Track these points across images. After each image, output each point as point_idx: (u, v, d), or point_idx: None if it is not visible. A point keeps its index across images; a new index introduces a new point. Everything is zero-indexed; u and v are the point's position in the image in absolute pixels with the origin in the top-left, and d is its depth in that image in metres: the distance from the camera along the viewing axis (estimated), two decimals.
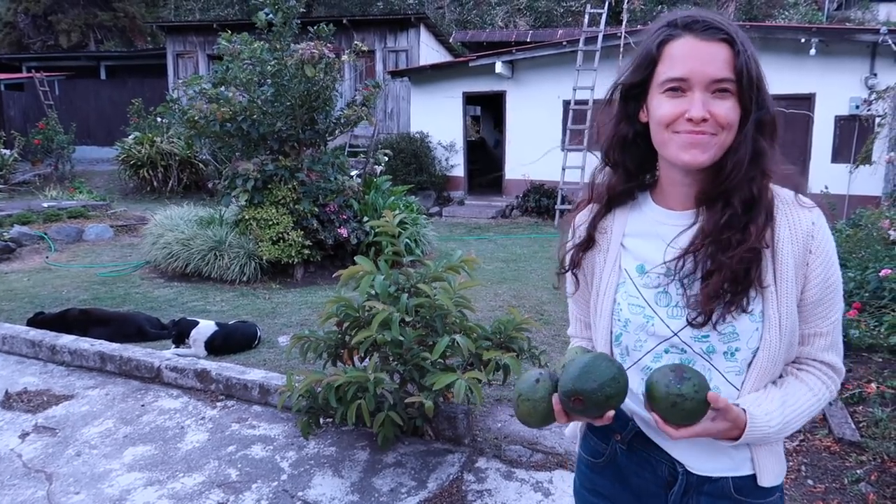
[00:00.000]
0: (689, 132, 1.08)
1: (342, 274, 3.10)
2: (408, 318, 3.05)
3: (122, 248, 9.24)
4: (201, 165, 13.82)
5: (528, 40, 17.33)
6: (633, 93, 1.18)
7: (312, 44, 6.87)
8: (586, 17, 12.78)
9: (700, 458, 1.21)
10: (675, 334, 1.17)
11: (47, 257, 8.54)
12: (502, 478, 3.07)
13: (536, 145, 13.36)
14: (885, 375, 3.71)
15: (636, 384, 1.23)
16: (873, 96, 10.14)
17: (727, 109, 1.06)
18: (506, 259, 8.61)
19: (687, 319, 1.14)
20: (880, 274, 4.59)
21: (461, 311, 3.24)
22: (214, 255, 7.12)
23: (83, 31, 26.67)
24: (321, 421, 3.25)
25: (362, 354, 3.11)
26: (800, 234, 1.13)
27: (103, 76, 21.05)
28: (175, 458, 3.29)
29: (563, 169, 12.05)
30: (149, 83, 18.61)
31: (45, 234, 9.30)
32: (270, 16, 7.02)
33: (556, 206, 11.99)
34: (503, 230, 11.59)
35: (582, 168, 11.82)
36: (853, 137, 10.99)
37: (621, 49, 11.80)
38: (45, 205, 10.46)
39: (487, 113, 19.75)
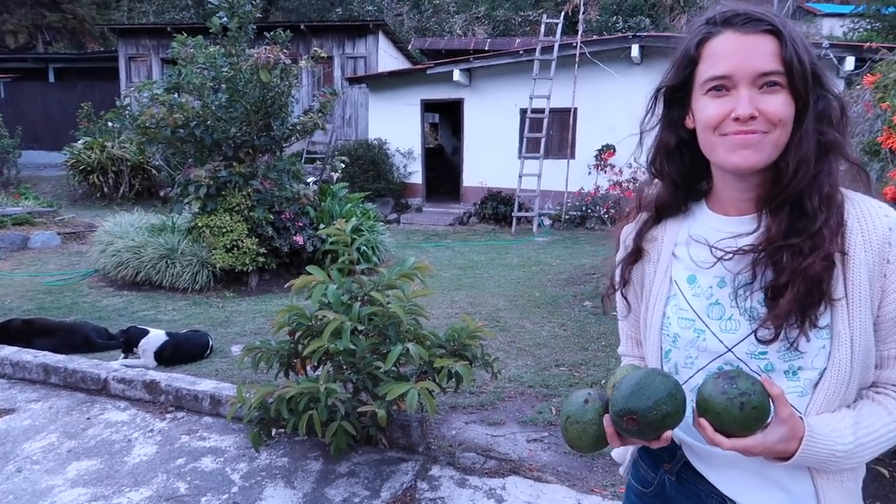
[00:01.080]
0: (738, 132, 0.99)
1: (294, 284, 3.08)
2: (360, 327, 3.04)
3: (70, 255, 8.98)
4: (154, 171, 13.55)
5: (486, 49, 17.51)
6: (677, 96, 1.10)
7: (267, 48, 6.81)
8: (543, 26, 12.96)
9: (751, 493, 1.09)
10: (730, 350, 1.07)
11: None
12: (456, 485, 3.08)
13: (494, 153, 13.47)
14: None
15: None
16: None
17: (778, 104, 0.97)
18: (463, 266, 8.64)
19: (755, 336, 1.03)
20: None
21: (415, 319, 3.25)
22: (166, 262, 6.98)
23: (31, 32, 25.90)
24: (273, 432, 3.21)
25: (315, 364, 3.08)
26: (875, 240, 1.00)
27: (52, 79, 20.48)
28: (121, 472, 3.21)
29: (520, 176, 12.17)
30: (99, 86, 18.18)
31: None
32: (225, 20, 6.94)
33: (513, 214, 12.09)
34: (461, 237, 11.63)
35: (538, 175, 11.96)
36: None
37: (577, 59, 12.00)
38: None
39: (445, 120, 19.83)
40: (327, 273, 3.11)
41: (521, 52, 13.02)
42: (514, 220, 12.04)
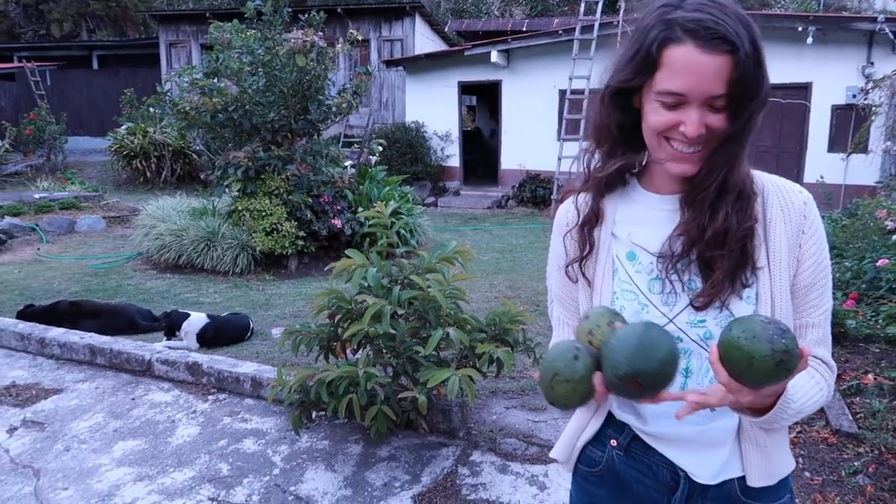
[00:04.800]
0: (682, 146, 1.04)
1: (334, 267, 3.05)
2: (400, 311, 3.01)
3: (115, 239, 9.17)
4: (194, 156, 13.73)
5: (524, 29, 17.22)
6: (631, 87, 1.10)
7: (302, 32, 6.79)
8: (582, 5, 12.67)
9: (699, 464, 1.15)
10: (671, 321, 1.12)
11: (38, 249, 8.48)
12: (497, 471, 3.04)
13: (532, 135, 13.29)
14: (882, 366, 3.69)
15: None
16: (870, 85, 10.08)
17: (721, 121, 1.02)
18: (501, 249, 8.56)
19: (692, 304, 1.09)
20: (877, 264, 4.56)
21: (455, 303, 3.20)
22: (207, 246, 7.06)
23: (75, 20, 26.42)
24: (313, 415, 3.21)
25: (355, 347, 3.06)
26: (792, 213, 1.11)
27: (95, 66, 20.88)
28: (165, 452, 3.25)
29: (559, 159, 11.98)
30: (141, 73, 18.47)
31: (37, 225, 9.23)
32: (259, 3, 6.93)
33: (552, 197, 11.94)
34: (499, 220, 11.54)
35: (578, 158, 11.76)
36: (850, 127, 10.94)
37: (618, 38, 11.66)
38: (37, 196, 10.38)
39: (483, 102, 19.64)
40: (367, 256, 3.07)
41: (560, 31, 12.78)
42: (553, 203, 11.89)
